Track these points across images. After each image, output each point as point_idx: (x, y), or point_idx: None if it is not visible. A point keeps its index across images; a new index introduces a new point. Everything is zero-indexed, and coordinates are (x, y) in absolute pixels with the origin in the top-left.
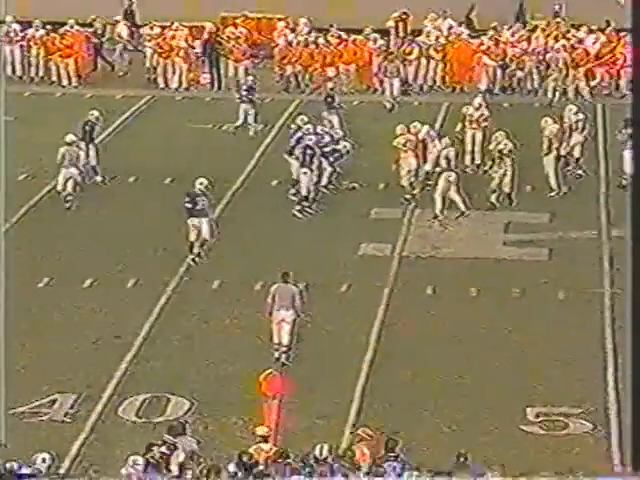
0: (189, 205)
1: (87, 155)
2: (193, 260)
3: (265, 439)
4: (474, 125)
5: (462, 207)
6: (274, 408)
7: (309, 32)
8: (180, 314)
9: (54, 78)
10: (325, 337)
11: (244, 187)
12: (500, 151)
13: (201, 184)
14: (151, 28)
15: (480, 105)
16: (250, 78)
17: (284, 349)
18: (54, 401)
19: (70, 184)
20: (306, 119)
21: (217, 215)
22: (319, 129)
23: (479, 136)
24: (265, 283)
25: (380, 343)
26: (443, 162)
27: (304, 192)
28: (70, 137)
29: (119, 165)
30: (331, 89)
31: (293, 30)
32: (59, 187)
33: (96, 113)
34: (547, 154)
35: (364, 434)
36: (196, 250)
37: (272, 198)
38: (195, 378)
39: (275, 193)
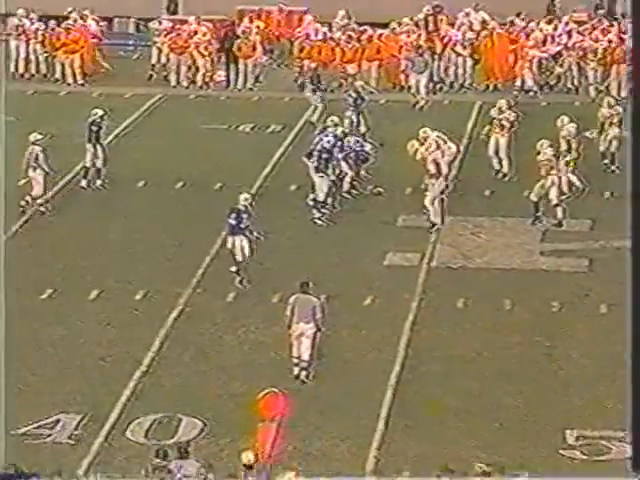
0: (233, 222)
1: (95, 156)
2: (241, 282)
3: (249, 467)
4: (497, 129)
5: (437, 220)
6: (272, 431)
7: (344, 26)
8: (192, 328)
9: (58, 75)
10: (348, 353)
11: (261, 192)
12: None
13: (245, 200)
14: (159, 23)
15: (503, 108)
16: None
17: (304, 365)
18: (57, 422)
19: (38, 187)
20: (336, 120)
21: None
22: (339, 130)
23: (502, 142)
24: (283, 295)
25: (407, 359)
26: (431, 167)
27: (321, 197)
28: (34, 136)
29: (127, 168)
30: (361, 88)
31: (322, 24)
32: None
33: (100, 112)
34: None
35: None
36: (233, 268)
37: (290, 204)
38: (208, 397)
39: (294, 198)
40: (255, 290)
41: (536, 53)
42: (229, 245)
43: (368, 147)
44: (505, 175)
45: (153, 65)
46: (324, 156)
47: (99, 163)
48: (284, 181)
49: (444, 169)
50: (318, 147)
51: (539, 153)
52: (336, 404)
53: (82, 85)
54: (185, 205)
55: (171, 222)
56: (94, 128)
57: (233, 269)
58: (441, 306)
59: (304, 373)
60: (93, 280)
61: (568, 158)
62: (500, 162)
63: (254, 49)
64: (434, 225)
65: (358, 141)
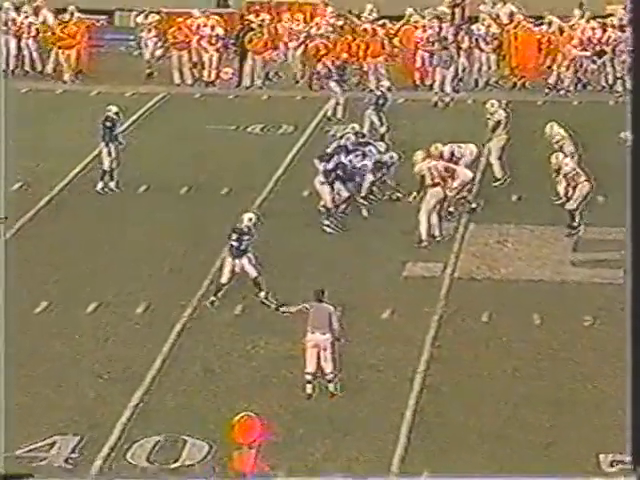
0: (235, 243)
1: (109, 155)
2: (212, 303)
3: None
4: (489, 133)
5: (437, 232)
6: (249, 459)
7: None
8: (198, 343)
9: (53, 72)
10: (364, 371)
11: (271, 198)
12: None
13: (250, 220)
14: (145, 16)
15: (491, 108)
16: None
17: (329, 377)
18: (53, 444)
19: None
20: (357, 127)
21: None
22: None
23: (490, 144)
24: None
25: (428, 377)
26: (427, 176)
27: (329, 205)
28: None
29: (128, 173)
30: (388, 88)
31: (339, 17)
32: None
33: (114, 108)
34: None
35: None
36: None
37: (303, 210)
38: (215, 417)
39: (306, 205)
40: (275, 300)
41: (579, 52)
42: (228, 265)
43: (389, 156)
44: (497, 180)
45: (148, 61)
46: (339, 173)
47: (110, 164)
48: (296, 186)
49: (461, 175)
50: (337, 160)
51: (559, 169)
52: (351, 426)
53: (76, 82)
54: (190, 211)
55: (175, 230)
56: (108, 124)
57: (210, 299)
58: (464, 320)
59: (331, 385)
60: (91, 292)
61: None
62: (499, 166)
63: (265, 45)
64: (434, 237)
65: (379, 150)
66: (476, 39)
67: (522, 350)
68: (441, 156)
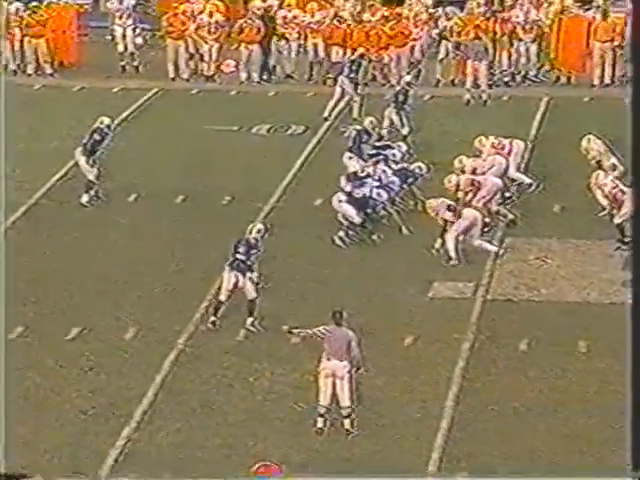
0: (242, 257)
1: (92, 166)
2: (213, 323)
3: None
4: None
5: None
6: None
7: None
8: (194, 374)
9: (31, 65)
10: (385, 405)
11: (278, 207)
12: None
13: (258, 232)
14: (120, 1)
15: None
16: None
17: (346, 412)
18: None
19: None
20: (375, 121)
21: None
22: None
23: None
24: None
25: (457, 414)
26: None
27: (357, 220)
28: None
29: (115, 179)
30: (408, 83)
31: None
32: None
33: (107, 120)
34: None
35: None
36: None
37: (314, 221)
38: (214, 458)
39: (318, 215)
40: (270, 328)
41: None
42: (230, 280)
43: (416, 166)
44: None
45: (121, 53)
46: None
47: (98, 174)
48: (307, 194)
49: (489, 184)
50: (369, 189)
51: (603, 186)
52: (371, 467)
53: (55, 76)
54: (186, 223)
55: (169, 244)
56: (97, 137)
57: (210, 320)
58: (499, 348)
59: (347, 421)
60: (73, 315)
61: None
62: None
63: (259, 31)
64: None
65: (404, 157)
66: (514, 27)
67: (566, 383)
68: (463, 170)
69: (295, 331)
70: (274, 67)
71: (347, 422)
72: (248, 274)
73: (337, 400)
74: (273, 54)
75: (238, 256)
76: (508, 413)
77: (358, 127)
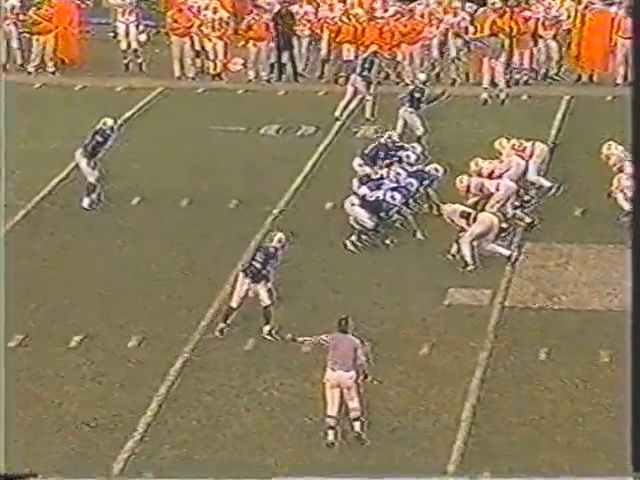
0: (259, 265)
1: (94, 168)
2: (221, 331)
3: None
4: None
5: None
6: None
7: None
8: (200, 385)
9: (32, 62)
10: (399, 417)
11: (288, 212)
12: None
13: (279, 241)
14: None
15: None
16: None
17: (355, 414)
18: None
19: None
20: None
21: (253, 248)
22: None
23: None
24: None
25: (475, 426)
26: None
27: (369, 225)
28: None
29: (119, 182)
30: (424, 82)
31: None
32: None
33: (110, 122)
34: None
35: None
36: (218, 328)
37: (325, 226)
38: (221, 472)
39: (329, 220)
40: (280, 336)
41: None
42: (242, 287)
43: (433, 167)
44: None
45: (124, 51)
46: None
47: (99, 176)
48: (318, 197)
49: (502, 188)
50: (383, 192)
51: (625, 189)
52: None
53: (57, 75)
54: (192, 228)
55: (174, 249)
56: (99, 139)
57: (219, 327)
58: (518, 358)
59: (357, 424)
60: (75, 323)
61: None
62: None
63: (267, 28)
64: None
65: (420, 158)
66: (534, 23)
67: (587, 394)
68: (480, 173)
69: (299, 339)
70: (284, 65)
71: (357, 425)
72: (263, 283)
73: (346, 408)
74: (285, 51)
75: (255, 263)
76: (527, 424)
77: (381, 140)
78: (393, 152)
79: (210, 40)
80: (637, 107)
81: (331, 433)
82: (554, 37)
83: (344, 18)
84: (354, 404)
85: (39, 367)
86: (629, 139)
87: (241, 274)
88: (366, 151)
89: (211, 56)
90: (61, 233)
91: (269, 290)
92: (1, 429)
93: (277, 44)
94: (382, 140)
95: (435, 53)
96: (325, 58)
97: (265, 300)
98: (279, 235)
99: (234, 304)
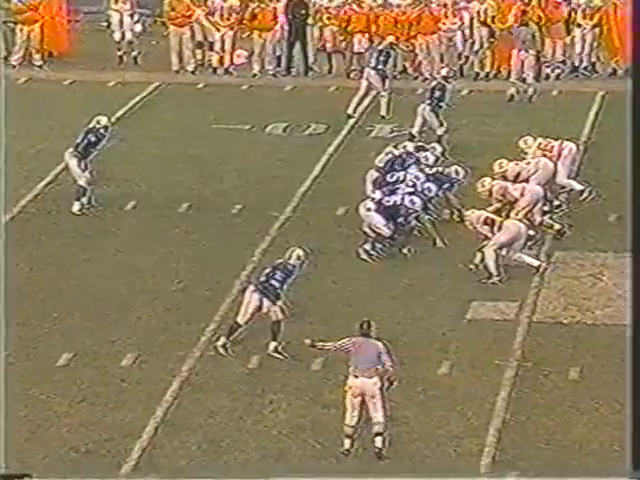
0: (277, 284)
1: (84, 170)
2: (224, 346)
3: None
4: None
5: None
6: None
7: None
8: (200, 406)
9: (15, 55)
10: (418, 441)
11: (296, 217)
12: None
13: (298, 258)
14: None
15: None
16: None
17: (378, 428)
18: None
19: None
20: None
21: (258, 257)
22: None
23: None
24: (326, 360)
25: (499, 452)
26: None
27: (386, 233)
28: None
29: (112, 185)
30: (445, 77)
31: None
32: None
33: (104, 120)
34: None
35: None
36: (220, 341)
37: (336, 233)
38: None
39: (341, 226)
40: (288, 353)
41: None
42: (253, 302)
43: (454, 169)
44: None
45: (118, 42)
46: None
47: (90, 179)
48: (328, 202)
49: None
50: (400, 196)
51: None
52: None
53: (44, 68)
54: (191, 235)
55: (172, 259)
56: (92, 139)
57: (220, 341)
58: (547, 377)
59: (379, 440)
60: (64, 339)
61: None
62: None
63: (274, 18)
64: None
65: (439, 160)
66: (570, 11)
67: (623, 417)
68: (504, 176)
69: (319, 344)
70: (292, 57)
71: (379, 440)
72: (278, 302)
73: (369, 419)
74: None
75: (273, 282)
76: (558, 450)
77: (395, 152)
78: (411, 152)
79: (219, 30)
80: (637, 107)
81: (347, 442)
82: (594, 27)
83: (354, 6)
84: (378, 417)
85: (26, 387)
86: None
87: (251, 287)
88: (381, 164)
89: (216, 47)
90: (49, 241)
91: (280, 305)
92: None
93: (288, 35)
94: (396, 152)
95: (459, 45)
96: (330, 51)
97: (277, 314)
98: (297, 251)
99: (241, 320)
